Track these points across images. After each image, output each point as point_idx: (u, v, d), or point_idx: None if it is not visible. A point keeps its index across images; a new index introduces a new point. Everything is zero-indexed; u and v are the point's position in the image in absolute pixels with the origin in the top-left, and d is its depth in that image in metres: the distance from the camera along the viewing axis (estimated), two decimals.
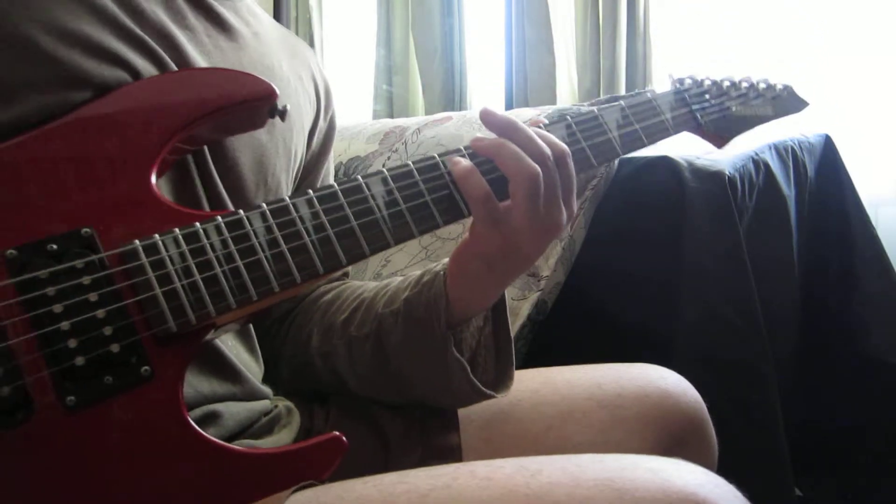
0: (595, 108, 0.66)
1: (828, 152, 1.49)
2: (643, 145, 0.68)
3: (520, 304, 1.07)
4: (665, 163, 1.11)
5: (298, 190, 0.72)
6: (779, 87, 0.81)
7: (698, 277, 1.06)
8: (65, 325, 0.45)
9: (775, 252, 1.23)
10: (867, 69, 1.80)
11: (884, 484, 1.35)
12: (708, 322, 1.06)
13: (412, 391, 0.66)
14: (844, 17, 1.81)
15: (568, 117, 0.64)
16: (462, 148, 0.60)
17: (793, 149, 1.35)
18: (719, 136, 0.75)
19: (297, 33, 2.47)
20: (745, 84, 0.79)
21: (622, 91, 2.06)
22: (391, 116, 2.38)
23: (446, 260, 0.63)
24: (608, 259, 1.13)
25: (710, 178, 1.07)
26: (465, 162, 0.57)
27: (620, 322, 1.10)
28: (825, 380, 1.39)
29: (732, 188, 1.07)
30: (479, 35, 2.34)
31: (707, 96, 0.75)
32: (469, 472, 0.47)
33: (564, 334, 1.12)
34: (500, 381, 0.65)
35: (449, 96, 2.34)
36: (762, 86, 0.80)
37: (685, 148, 1.19)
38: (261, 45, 0.67)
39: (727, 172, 1.07)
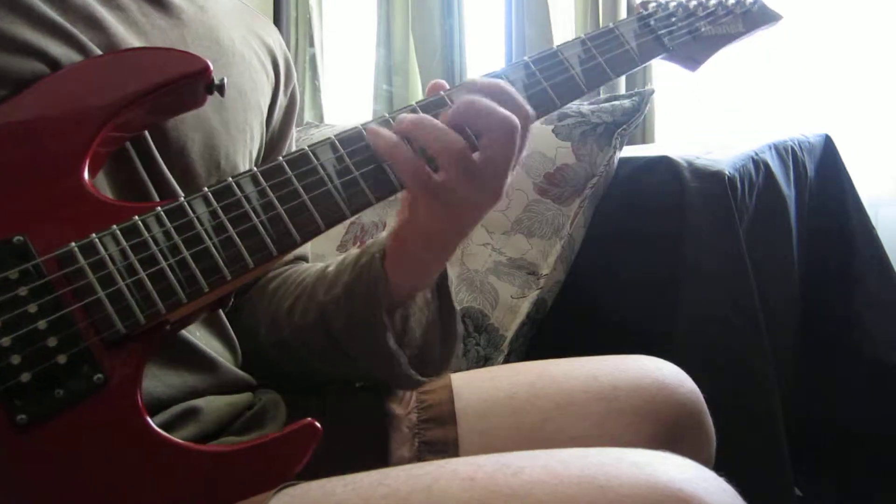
0: (555, 46, 0.64)
1: (828, 152, 1.49)
2: (609, 79, 0.65)
3: (519, 302, 1.07)
4: (665, 163, 1.11)
5: None
6: (748, 1, 0.77)
7: (698, 277, 1.06)
8: (5, 341, 0.43)
9: (775, 252, 1.23)
10: (867, 69, 1.79)
11: (884, 484, 1.34)
12: (708, 322, 1.06)
13: (363, 373, 0.66)
14: (844, 17, 1.81)
15: (525, 58, 0.62)
16: (413, 104, 0.57)
17: (793, 149, 1.34)
18: (692, 59, 0.72)
19: (296, 33, 2.47)
20: (713, 2, 0.75)
21: (622, 92, 2.05)
22: None
23: (383, 236, 0.61)
24: (608, 258, 1.13)
25: (710, 178, 1.07)
26: (385, 133, 0.53)
27: (620, 321, 1.10)
28: (825, 380, 1.38)
29: (732, 188, 1.07)
30: (479, 35, 2.33)
31: (674, 19, 0.71)
32: (451, 471, 0.46)
33: (564, 333, 1.12)
34: (445, 358, 0.65)
35: None
36: (731, 2, 0.76)
37: (685, 148, 1.19)
38: (208, 18, 0.64)
39: (727, 172, 1.07)
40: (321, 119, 2.44)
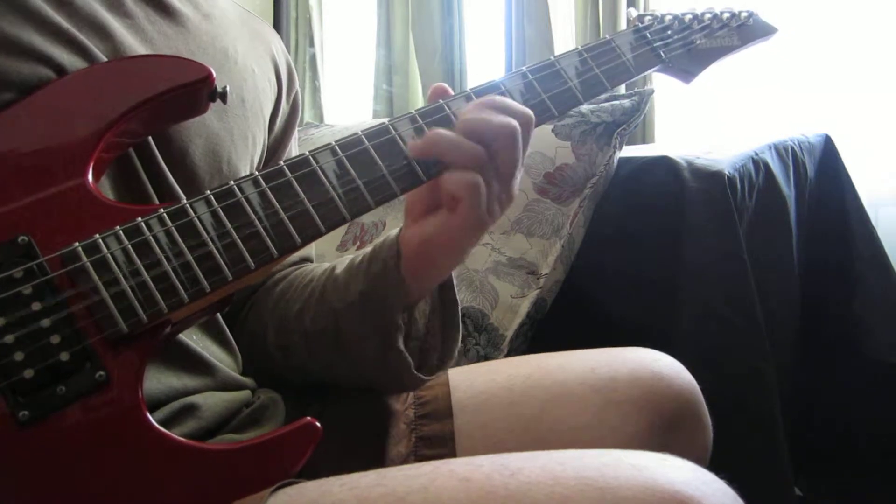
0: (552, 57, 0.64)
1: (828, 152, 1.49)
2: (605, 90, 0.66)
3: (519, 302, 1.07)
4: (665, 163, 1.11)
5: None
6: (743, 14, 0.78)
7: (698, 277, 1.06)
8: (9, 338, 0.43)
9: (775, 252, 1.23)
10: (867, 69, 1.79)
11: (884, 484, 1.34)
12: (708, 322, 1.06)
13: (365, 380, 0.66)
14: (844, 17, 1.81)
15: (524, 68, 0.62)
16: (413, 112, 0.58)
17: (793, 149, 1.34)
18: (686, 71, 0.73)
19: (296, 33, 2.47)
20: (708, 16, 0.76)
21: (622, 92, 2.05)
22: (391, 116, 2.38)
23: (391, 239, 0.61)
24: (608, 258, 1.13)
25: (710, 178, 1.07)
26: (442, 133, 0.54)
27: (620, 321, 1.10)
28: (825, 380, 1.38)
29: (732, 188, 1.07)
30: (479, 35, 2.33)
31: (669, 32, 0.72)
32: (448, 471, 0.46)
33: (563, 332, 1.12)
34: (446, 359, 0.65)
35: None
36: (726, 15, 0.77)
37: (685, 148, 1.19)
38: (213, 27, 0.65)
39: (727, 172, 1.07)
40: (321, 119, 2.44)
